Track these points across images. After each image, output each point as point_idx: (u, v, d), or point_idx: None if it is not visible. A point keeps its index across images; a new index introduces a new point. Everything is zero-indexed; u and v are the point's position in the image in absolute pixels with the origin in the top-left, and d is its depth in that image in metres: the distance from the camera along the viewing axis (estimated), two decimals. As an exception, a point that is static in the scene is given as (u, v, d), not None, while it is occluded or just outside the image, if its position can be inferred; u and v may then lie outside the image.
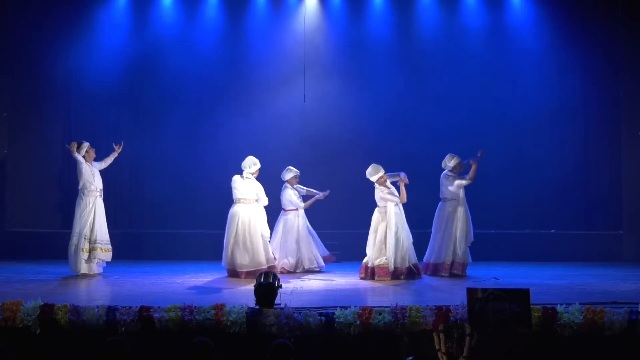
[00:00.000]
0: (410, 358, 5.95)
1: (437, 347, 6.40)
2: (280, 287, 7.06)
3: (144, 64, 12.87)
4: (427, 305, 6.72)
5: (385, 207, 9.80)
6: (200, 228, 11.81)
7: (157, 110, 12.96)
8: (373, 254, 9.71)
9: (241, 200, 10.06)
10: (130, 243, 12.04)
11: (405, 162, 11.78)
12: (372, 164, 9.94)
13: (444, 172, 10.32)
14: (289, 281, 9.30)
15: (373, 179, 9.89)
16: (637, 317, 6.63)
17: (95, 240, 9.94)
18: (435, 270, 10.15)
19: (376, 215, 9.88)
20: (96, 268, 10.02)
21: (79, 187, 10.11)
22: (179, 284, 9.25)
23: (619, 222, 12.29)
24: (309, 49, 12.52)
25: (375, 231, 9.80)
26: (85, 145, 10.17)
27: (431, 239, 10.33)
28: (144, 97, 13.06)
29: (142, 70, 12.93)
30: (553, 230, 12.42)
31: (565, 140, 12.87)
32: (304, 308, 6.94)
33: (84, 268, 9.87)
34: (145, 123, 12.89)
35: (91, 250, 9.92)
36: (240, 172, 10.20)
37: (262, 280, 7.03)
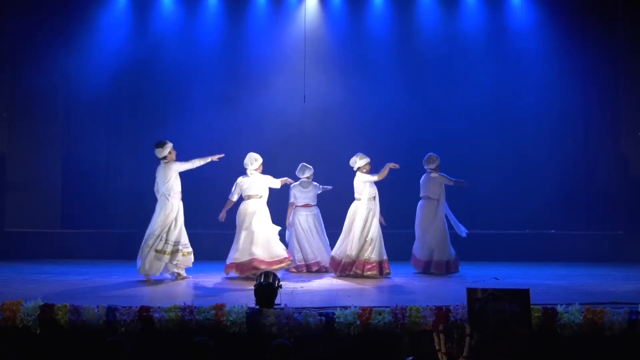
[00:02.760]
0: (410, 358, 5.95)
1: (437, 348, 6.40)
2: (280, 287, 7.07)
3: (143, 64, 12.86)
4: (427, 306, 6.73)
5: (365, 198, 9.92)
6: (200, 228, 11.78)
7: (157, 110, 12.95)
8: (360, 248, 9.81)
9: (251, 197, 10.01)
10: (131, 243, 11.99)
11: (405, 162, 11.77)
12: (359, 153, 10.01)
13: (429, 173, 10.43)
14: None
15: (358, 164, 9.98)
16: (637, 317, 6.64)
17: (178, 242, 9.48)
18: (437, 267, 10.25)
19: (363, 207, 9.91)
20: (176, 269, 9.54)
21: (163, 189, 9.54)
22: (179, 283, 9.24)
23: (619, 222, 12.29)
24: (309, 48, 12.53)
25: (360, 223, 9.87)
26: (169, 146, 9.68)
27: (422, 236, 10.36)
28: (144, 97, 13.05)
29: (141, 70, 12.92)
30: (553, 231, 12.42)
31: (565, 140, 12.87)
32: (304, 308, 6.94)
33: (154, 270, 9.39)
34: (146, 122, 12.88)
35: (172, 253, 9.42)
36: (243, 171, 10.18)
37: (262, 280, 7.03)
